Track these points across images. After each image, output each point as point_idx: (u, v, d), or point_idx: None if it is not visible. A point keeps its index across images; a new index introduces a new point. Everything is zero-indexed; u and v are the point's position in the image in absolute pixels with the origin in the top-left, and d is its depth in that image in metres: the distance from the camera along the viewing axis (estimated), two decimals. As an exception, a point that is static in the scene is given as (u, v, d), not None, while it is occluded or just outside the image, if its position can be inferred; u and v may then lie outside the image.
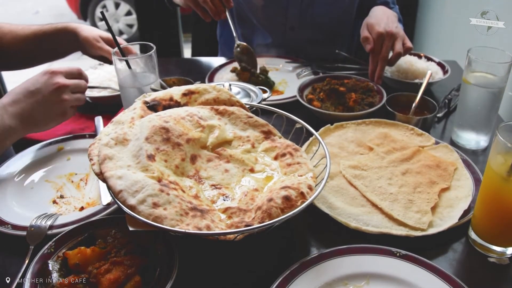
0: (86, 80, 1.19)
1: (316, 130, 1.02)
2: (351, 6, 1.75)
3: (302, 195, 0.82)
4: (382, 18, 1.43)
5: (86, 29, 1.38)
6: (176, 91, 1.06)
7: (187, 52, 3.06)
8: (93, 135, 1.22)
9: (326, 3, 1.71)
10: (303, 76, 1.59)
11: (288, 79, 1.60)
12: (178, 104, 1.04)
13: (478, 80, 1.13)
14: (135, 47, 1.34)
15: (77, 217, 0.94)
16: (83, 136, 1.23)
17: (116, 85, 1.46)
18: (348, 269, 0.82)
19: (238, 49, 1.61)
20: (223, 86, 1.29)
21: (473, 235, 0.91)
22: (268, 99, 1.36)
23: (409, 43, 1.41)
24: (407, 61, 1.52)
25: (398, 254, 0.85)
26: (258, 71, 1.57)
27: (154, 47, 1.26)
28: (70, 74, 1.14)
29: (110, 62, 1.42)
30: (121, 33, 5.31)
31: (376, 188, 1.01)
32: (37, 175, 1.11)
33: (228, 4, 1.50)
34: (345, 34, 1.85)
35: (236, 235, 0.77)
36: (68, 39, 1.39)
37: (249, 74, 1.52)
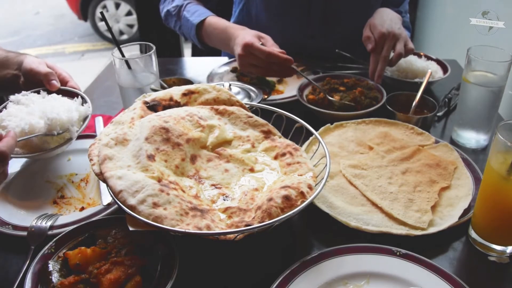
0: (12, 149, 0.90)
1: (316, 130, 1.02)
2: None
3: (302, 194, 0.82)
4: (385, 19, 1.43)
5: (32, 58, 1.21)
6: (176, 91, 1.06)
7: (187, 52, 3.05)
8: (93, 136, 1.22)
9: (350, 11, 1.62)
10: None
11: (288, 78, 1.60)
12: (178, 104, 1.04)
13: (478, 79, 1.13)
14: (135, 47, 1.34)
15: (78, 218, 0.95)
16: (83, 137, 1.22)
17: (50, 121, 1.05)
18: (348, 269, 0.82)
19: None
20: (223, 86, 1.29)
21: (473, 234, 0.91)
22: (268, 98, 1.37)
23: (410, 45, 1.40)
24: (407, 60, 1.52)
25: (398, 253, 0.85)
26: None
27: (154, 47, 1.27)
28: None
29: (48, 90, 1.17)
30: (121, 33, 5.31)
31: (376, 187, 1.01)
32: (37, 176, 1.11)
33: (290, 62, 1.32)
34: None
35: (236, 234, 0.77)
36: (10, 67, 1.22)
37: (249, 78, 1.52)
